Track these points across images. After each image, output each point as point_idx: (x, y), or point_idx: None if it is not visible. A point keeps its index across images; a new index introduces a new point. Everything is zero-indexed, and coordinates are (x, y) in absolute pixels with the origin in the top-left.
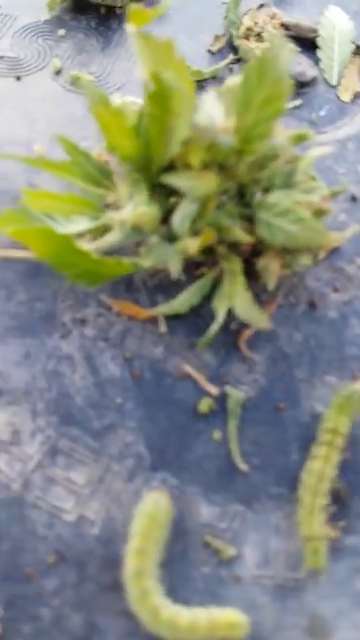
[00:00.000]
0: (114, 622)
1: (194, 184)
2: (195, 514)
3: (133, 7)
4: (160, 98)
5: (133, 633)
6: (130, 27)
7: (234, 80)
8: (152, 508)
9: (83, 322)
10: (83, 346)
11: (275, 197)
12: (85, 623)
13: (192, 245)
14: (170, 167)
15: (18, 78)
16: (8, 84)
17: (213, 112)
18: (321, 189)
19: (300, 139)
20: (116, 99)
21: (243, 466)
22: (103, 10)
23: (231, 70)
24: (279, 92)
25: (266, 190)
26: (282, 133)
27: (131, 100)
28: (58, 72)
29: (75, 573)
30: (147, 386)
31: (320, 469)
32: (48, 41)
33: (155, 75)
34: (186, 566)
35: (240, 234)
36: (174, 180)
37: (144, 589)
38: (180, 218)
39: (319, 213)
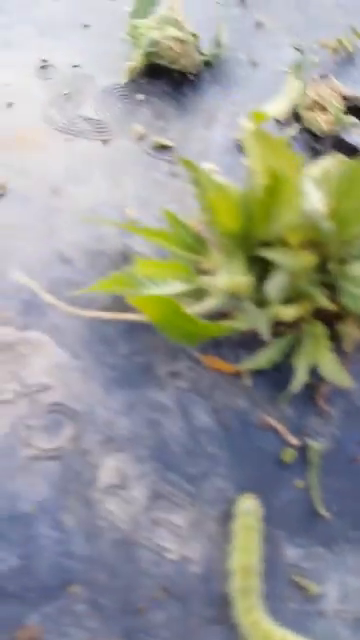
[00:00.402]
0: None
1: (292, 261)
2: (282, 555)
3: (254, 112)
4: (273, 190)
5: None
6: (248, 125)
7: (326, 169)
8: (245, 519)
9: (176, 375)
10: (177, 397)
11: (357, 269)
12: None
13: (287, 313)
14: (268, 242)
15: (105, 141)
16: (96, 147)
17: (316, 199)
18: None
19: None
20: (218, 179)
21: (324, 512)
22: (177, 75)
23: (294, 138)
24: None
25: (348, 261)
26: None
27: (210, 167)
28: (141, 137)
29: (180, 608)
30: (235, 436)
31: None
32: (128, 105)
33: (272, 171)
34: (275, 602)
35: (324, 302)
36: (273, 255)
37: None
38: (274, 287)
39: None
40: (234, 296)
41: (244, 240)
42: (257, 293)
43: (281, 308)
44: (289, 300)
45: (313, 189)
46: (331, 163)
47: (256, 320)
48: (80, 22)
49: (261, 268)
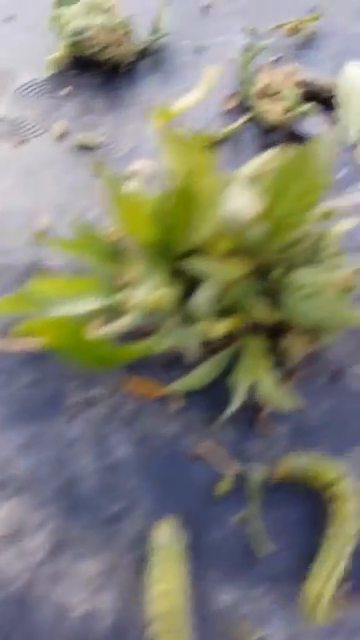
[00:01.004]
0: None
1: (219, 269)
2: (214, 600)
3: (157, 106)
4: (185, 194)
5: None
6: (155, 124)
7: (266, 165)
8: (165, 552)
9: (91, 402)
10: (90, 428)
11: (300, 277)
12: None
13: (216, 329)
14: (191, 251)
15: (20, 143)
16: (9, 149)
17: (245, 201)
18: (348, 265)
19: (326, 217)
20: (133, 184)
21: (265, 549)
22: (109, 67)
23: (243, 130)
24: (316, 186)
25: (291, 266)
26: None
27: (146, 163)
28: (62, 135)
29: None
30: (160, 468)
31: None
32: (51, 100)
33: (183, 175)
34: None
35: (263, 314)
36: (197, 265)
37: None
38: (201, 301)
39: (346, 290)
40: (155, 312)
41: (164, 250)
42: (183, 308)
43: (210, 324)
44: (223, 313)
45: (241, 190)
46: (269, 158)
47: (181, 338)
48: (3, 14)
49: (188, 280)
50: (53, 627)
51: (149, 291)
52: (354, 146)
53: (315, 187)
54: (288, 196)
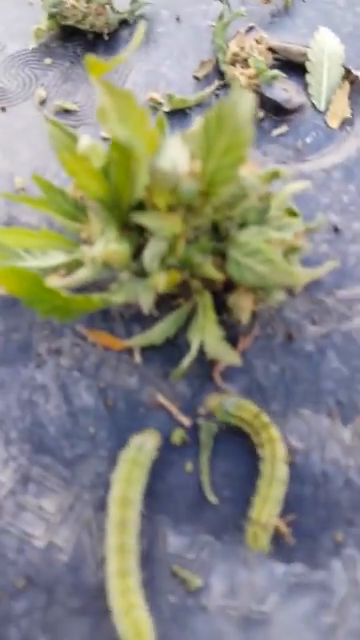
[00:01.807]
0: None
1: (161, 224)
2: (163, 544)
3: (90, 58)
4: (121, 147)
5: None
6: (92, 76)
7: (199, 123)
8: (135, 453)
9: (58, 352)
10: (58, 376)
11: (246, 235)
12: None
13: (161, 282)
14: (140, 205)
15: (3, 109)
16: None
17: (177, 156)
18: (296, 225)
19: (272, 177)
20: (85, 140)
21: (213, 498)
22: (90, 36)
23: (217, 96)
24: (239, 141)
25: (241, 226)
26: (253, 172)
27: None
28: (43, 102)
29: (44, 597)
30: (120, 416)
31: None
32: (35, 70)
33: (113, 135)
34: (153, 594)
35: (211, 271)
36: (142, 220)
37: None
38: (150, 255)
39: (292, 250)
40: (108, 266)
41: (114, 205)
42: (136, 263)
43: (158, 277)
44: (174, 269)
45: (176, 146)
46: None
47: (134, 291)
48: None
49: (140, 235)
50: (14, 557)
51: (103, 246)
52: (324, 111)
53: (237, 142)
54: (214, 153)
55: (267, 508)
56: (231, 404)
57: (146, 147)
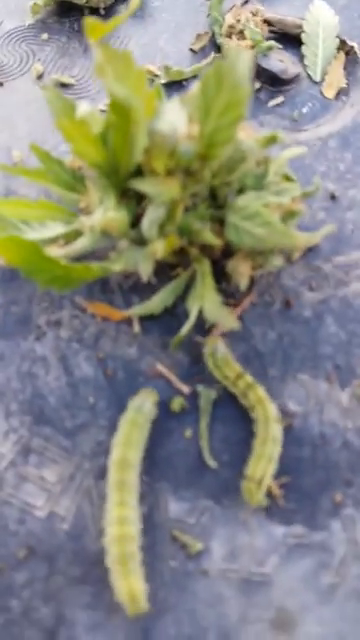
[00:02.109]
0: (82, 614)
1: (159, 189)
2: (164, 509)
3: (89, 20)
4: (120, 109)
5: (99, 625)
6: (90, 39)
7: (196, 86)
8: (134, 415)
9: (58, 324)
10: (57, 347)
11: (244, 200)
12: (54, 615)
13: (159, 249)
14: (138, 172)
15: (0, 84)
16: None
17: (175, 119)
18: (293, 190)
19: (270, 141)
20: (83, 106)
21: (212, 463)
22: (87, 12)
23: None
24: (237, 99)
25: (239, 192)
26: (251, 136)
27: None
28: (40, 76)
29: (45, 567)
30: (120, 385)
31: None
32: (32, 45)
33: (111, 91)
34: (154, 559)
35: (209, 237)
36: (140, 185)
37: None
38: (148, 222)
39: (290, 214)
40: (107, 235)
41: (112, 171)
42: (136, 231)
43: (157, 244)
44: (174, 236)
45: (174, 108)
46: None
47: (133, 259)
48: None
49: (139, 203)
50: (16, 528)
51: (101, 214)
52: (319, 82)
53: (235, 101)
54: (212, 112)
55: (261, 465)
56: (221, 353)
57: (144, 109)
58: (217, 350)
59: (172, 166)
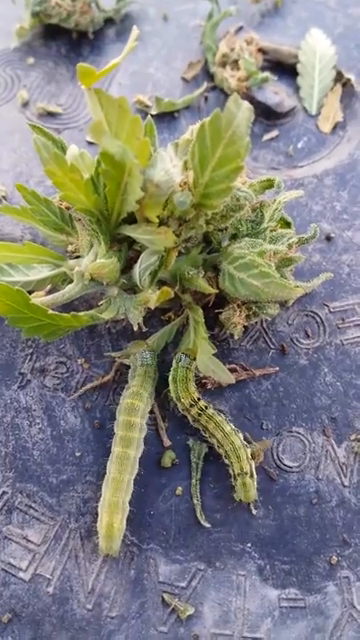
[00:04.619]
0: None
1: (153, 238)
2: (154, 572)
3: (82, 67)
4: (112, 159)
5: None
6: (84, 85)
7: (192, 130)
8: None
9: (43, 371)
10: (42, 397)
11: (239, 248)
12: None
13: (152, 299)
14: (130, 217)
15: None
16: None
17: (170, 168)
18: (289, 236)
19: (266, 187)
20: (72, 151)
21: (205, 523)
22: (75, 35)
23: (206, 99)
24: (236, 152)
25: (233, 236)
26: (246, 182)
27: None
28: (26, 104)
29: (30, 632)
30: (108, 438)
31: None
32: (17, 70)
33: (106, 148)
34: (144, 625)
35: (202, 285)
36: (133, 233)
37: None
38: (140, 270)
39: (286, 262)
40: (97, 281)
41: (104, 217)
42: (127, 277)
43: (149, 293)
44: (165, 283)
45: (169, 156)
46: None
47: (124, 307)
48: None
49: (130, 248)
50: (0, 588)
51: (91, 260)
52: (315, 115)
53: (233, 154)
54: (208, 164)
55: (246, 459)
56: (184, 364)
57: (139, 158)
58: (181, 360)
59: (166, 215)
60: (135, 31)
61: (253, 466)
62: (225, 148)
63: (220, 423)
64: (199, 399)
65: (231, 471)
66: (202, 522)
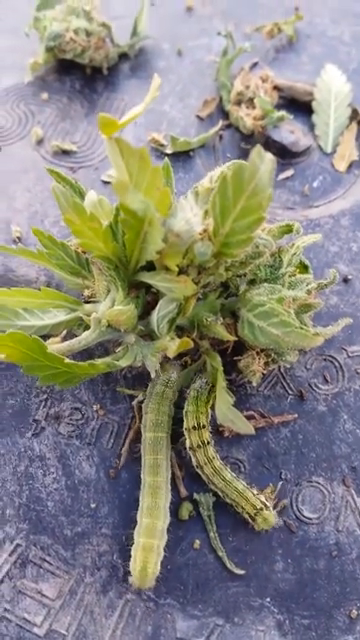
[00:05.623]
0: None
1: (172, 287)
2: (171, 628)
3: (103, 117)
4: (134, 215)
5: None
6: (104, 135)
7: (211, 177)
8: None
9: (57, 418)
10: (57, 445)
11: (258, 295)
12: None
13: (171, 348)
14: (148, 264)
15: None
16: None
17: (190, 217)
18: (308, 281)
19: (284, 232)
20: (91, 198)
21: (239, 571)
22: (89, 71)
23: (221, 137)
24: (257, 204)
25: (251, 281)
26: (265, 227)
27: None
28: (40, 142)
29: None
30: (124, 488)
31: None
32: (31, 106)
33: (125, 206)
34: None
35: (221, 332)
36: (152, 281)
37: None
38: (159, 318)
39: (306, 308)
40: (115, 327)
41: (122, 264)
42: (143, 323)
43: (167, 341)
44: (183, 330)
45: (189, 205)
46: (223, 171)
47: (141, 355)
48: None
49: (147, 294)
50: None
51: (108, 307)
52: (330, 153)
53: (255, 205)
54: (229, 214)
55: (253, 497)
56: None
57: (159, 208)
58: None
59: (186, 263)
60: (157, 80)
61: (263, 498)
62: (247, 200)
63: (220, 470)
64: (208, 442)
65: (246, 515)
66: (235, 570)
